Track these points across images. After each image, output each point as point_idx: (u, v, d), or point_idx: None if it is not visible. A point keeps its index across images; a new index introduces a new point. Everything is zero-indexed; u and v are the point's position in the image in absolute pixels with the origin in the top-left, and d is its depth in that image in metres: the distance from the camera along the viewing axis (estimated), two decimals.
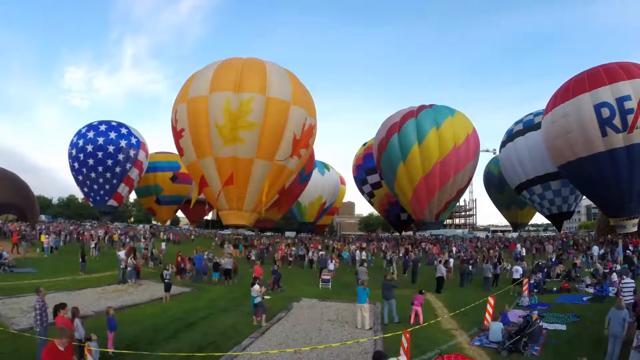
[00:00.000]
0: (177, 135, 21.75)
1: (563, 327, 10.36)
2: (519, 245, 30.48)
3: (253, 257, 23.71)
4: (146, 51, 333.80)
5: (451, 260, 22.51)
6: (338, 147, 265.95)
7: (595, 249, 24.74)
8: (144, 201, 33.85)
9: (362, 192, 50.47)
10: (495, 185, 47.49)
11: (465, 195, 55.43)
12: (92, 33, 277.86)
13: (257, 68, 19.63)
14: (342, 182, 56.53)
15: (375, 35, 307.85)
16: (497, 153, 53.03)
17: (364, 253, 26.34)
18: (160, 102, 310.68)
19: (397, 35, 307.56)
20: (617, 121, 22.73)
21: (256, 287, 11.17)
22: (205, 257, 18.93)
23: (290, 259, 26.16)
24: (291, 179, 23.48)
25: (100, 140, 32.07)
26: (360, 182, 49.90)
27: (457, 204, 51.52)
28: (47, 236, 25.33)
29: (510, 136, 38.36)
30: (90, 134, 32.37)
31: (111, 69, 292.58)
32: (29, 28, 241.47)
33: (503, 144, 39.96)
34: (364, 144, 48.66)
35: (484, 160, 55.03)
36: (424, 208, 36.32)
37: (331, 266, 20.15)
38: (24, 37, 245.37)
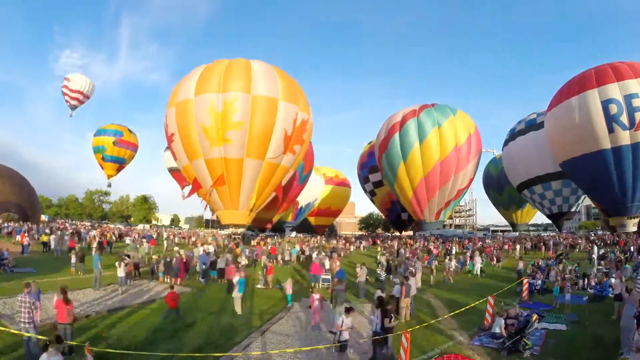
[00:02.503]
0: (169, 139, 21.84)
1: (563, 327, 10.37)
2: (517, 246, 30.42)
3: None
4: (148, 35, 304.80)
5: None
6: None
7: (595, 249, 24.67)
8: (96, 157, 37.28)
9: (365, 190, 50.69)
10: (494, 185, 47.56)
11: (466, 196, 55.37)
12: (86, 12, 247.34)
13: (242, 68, 19.35)
14: (344, 185, 55.91)
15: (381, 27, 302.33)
16: (496, 153, 53.13)
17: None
18: (165, 92, 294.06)
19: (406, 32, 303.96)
20: (624, 118, 22.67)
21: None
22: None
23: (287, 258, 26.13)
24: (287, 176, 23.24)
25: None
26: (363, 180, 50.13)
27: (458, 204, 51.33)
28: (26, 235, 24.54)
29: (513, 135, 38.42)
30: None
31: (110, 54, 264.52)
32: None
33: (505, 143, 40.04)
34: (369, 142, 48.81)
35: (485, 160, 54.86)
36: (424, 208, 36.31)
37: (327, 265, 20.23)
38: (10, 11, 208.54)
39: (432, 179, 34.15)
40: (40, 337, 7.10)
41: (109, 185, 36.50)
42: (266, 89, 18.79)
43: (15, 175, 38.72)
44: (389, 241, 41.01)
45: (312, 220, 54.70)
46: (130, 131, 35.75)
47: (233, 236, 38.74)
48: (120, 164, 34.84)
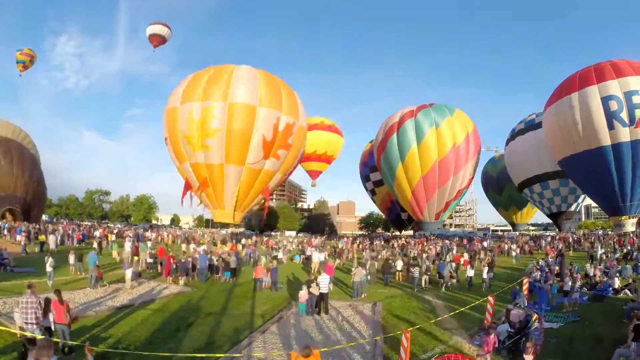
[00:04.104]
0: (165, 141, 22.98)
1: (563, 326, 10.38)
2: (514, 246, 30.39)
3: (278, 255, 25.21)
4: (148, 22, 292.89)
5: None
6: None
7: (598, 249, 24.68)
8: (16, 62, 47.39)
9: (366, 189, 50.79)
10: (494, 186, 47.66)
11: (465, 195, 55.23)
12: None
13: (223, 75, 19.77)
14: (335, 131, 49.35)
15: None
16: (498, 152, 53.15)
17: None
18: (165, 84, 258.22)
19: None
20: (624, 115, 22.65)
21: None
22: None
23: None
24: (275, 179, 23.01)
25: None
26: (364, 178, 50.21)
27: (457, 204, 51.07)
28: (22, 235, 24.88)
29: (513, 135, 38.60)
30: None
31: (108, 42, 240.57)
32: None
33: (507, 142, 40.29)
34: (370, 141, 48.73)
35: (485, 159, 54.72)
36: (423, 208, 36.32)
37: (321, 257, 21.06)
38: None
39: (431, 179, 34.15)
40: (40, 337, 7.09)
41: (20, 76, 48.84)
42: (244, 96, 19.02)
43: (27, 159, 34.74)
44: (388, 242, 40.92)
45: (305, 165, 49.79)
46: (30, 49, 48.46)
47: (232, 235, 38.82)
48: (23, 64, 47.79)
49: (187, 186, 21.25)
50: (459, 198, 38.45)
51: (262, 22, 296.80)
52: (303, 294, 11.85)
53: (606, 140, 23.25)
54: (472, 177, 37.92)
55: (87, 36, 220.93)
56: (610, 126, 22.94)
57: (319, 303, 12.03)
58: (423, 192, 34.99)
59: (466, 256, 23.62)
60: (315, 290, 11.97)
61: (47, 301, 7.59)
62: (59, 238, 25.97)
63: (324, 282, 12.14)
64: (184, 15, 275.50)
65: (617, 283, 15.19)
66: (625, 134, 22.73)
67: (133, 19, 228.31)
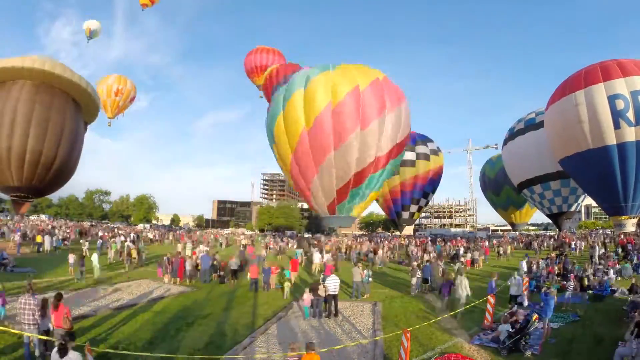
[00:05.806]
0: None
1: (563, 326, 10.38)
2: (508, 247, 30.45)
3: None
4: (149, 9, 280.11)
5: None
6: None
7: (597, 249, 24.68)
8: None
9: None
10: (491, 187, 47.49)
11: (465, 195, 55.08)
12: None
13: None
14: None
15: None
16: (499, 149, 52.91)
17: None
18: (166, 75, 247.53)
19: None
20: (630, 114, 22.45)
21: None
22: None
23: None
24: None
25: None
26: None
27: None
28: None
29: (512, 134, 38.27)
30: None
31: (107, 27, 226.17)
32: None
33: (505, 142, 39.92)
34: None
35: (486, 156, 54.53)
36: (310, 185, 24.11)
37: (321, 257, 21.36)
38: None
39: (319, 135, 22.10)
40: (40, 337, 7.10)
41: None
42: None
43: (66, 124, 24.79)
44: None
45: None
46: None
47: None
48: None
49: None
50: (380, 170, 23.68)
51: (263, 14, 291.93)
52: (306, 298, 11.56)
53: (611, 139, 23.09)
54: (404, 143, 25.13)
55: (86, 18, 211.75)
56: (616, 125, 22.76)
57: (329, 305, 11.67)
58: (309, 156, 22.74)
59: (468, 256, 23.74)
60: (322, 292, 11.56)
61: (45, 302, 7.55)
62: (54, 240, 25.90)
63: (333, 284, 11.72)
64: (186, 1, 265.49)
65: (616, 283, 15.19)
66: (631, 134, 22.59)
67: (132, 4, 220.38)
